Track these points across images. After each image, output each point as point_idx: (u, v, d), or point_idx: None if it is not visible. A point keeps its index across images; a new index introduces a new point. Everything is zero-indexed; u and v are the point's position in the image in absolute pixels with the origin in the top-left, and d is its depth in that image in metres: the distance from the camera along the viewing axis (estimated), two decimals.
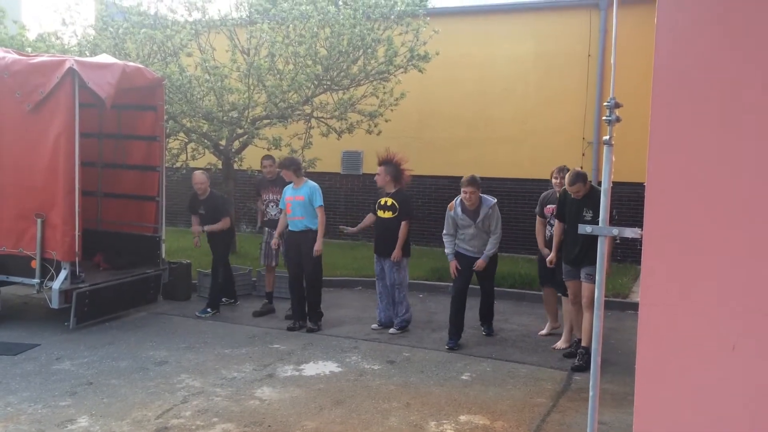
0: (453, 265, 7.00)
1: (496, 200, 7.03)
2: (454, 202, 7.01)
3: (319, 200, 7.36)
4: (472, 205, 6.86)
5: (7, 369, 5.94)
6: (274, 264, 8.22)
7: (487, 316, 7.43)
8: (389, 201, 7.32)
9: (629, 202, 10.63)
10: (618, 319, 8.09)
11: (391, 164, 7.34)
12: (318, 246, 7.35)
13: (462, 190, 6.85)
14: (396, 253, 7.23)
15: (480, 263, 6.94)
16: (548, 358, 6.60)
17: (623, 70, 9.76)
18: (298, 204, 7.36)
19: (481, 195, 6.93)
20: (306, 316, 7.53)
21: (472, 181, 6.81)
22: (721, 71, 2.08)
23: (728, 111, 2.07)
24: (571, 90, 11.65)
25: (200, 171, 8.38)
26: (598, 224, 2.97)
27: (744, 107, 2.05)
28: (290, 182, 7.53)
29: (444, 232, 7.08)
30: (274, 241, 7.85)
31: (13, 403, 5.16)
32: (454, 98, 12.36)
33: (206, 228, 8.09)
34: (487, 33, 12.32)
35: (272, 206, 8.09)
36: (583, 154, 11.55)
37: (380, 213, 7.38)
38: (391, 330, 7.31)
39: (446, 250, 7.09)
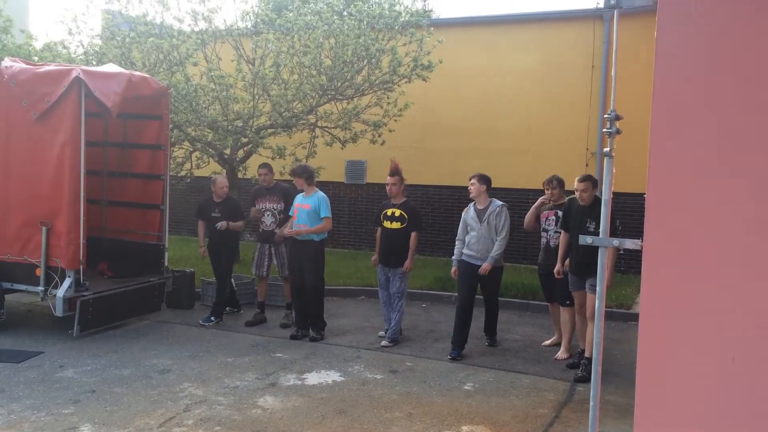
0: (453, 270, 7.11)
1: (505, 204, 7.10)
2: (469, 205, 7.17)
3: (325, 211, 7.37)
4: (479, 201, 6.98)
5: (11, 376, 5.95)
6: (265, 274, 8.22)
7: (490, 327, 7.42)
8: (397, 212, 7.32)
9: (633, 212, 10.62)
10: (621, 330, 8.07)
11: (400, 174, 7.38)
12: (291, 231, 7.38)
13: (471, 181, 7.04)
14: (408, 263, 7.25)
15: (485, 266, 6.88)
16: (551, 368, 6.59)
17: (627, 80, 9.79)
18: (304, 212, 7.38)
19: (492, 198, 7.05)
20: (309, 325, 7.53)
21: (476, 174, 7.04)
22: (722, 82, 2.10)
23: (729, 122, 2.08)
24: (575, 101, 11.68)
25: (222, 175, 8.45)
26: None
27: (744, 119, 2.06)
28: (300, 191, 7.59)
29: (457, 237, 7.18)
30: (287, 230, 7.54)
31: (16, 410, 5.17)
32: (458, 108, 12.40)
33: (232, 226, 8.06)
34: (491, 44, 12.38)
35: (267, 215, 8.08)
36: (587, 165, 11.56)
37: (387, 224, 7.37)
38: (383, 343, 7.24)
39: (454, 255, 7.18)
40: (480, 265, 6.93)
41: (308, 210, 7.35)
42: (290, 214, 7.63)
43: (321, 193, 7.50)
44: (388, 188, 7.41)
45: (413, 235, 7.26)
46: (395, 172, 7.36)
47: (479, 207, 7.00)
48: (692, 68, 2.11)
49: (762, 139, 2.04)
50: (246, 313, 8.52)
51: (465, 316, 6.96)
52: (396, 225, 7.31)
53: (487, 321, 7.41)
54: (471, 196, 7.06)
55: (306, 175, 7.49)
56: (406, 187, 7.54)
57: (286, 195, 7.96)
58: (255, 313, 8.17)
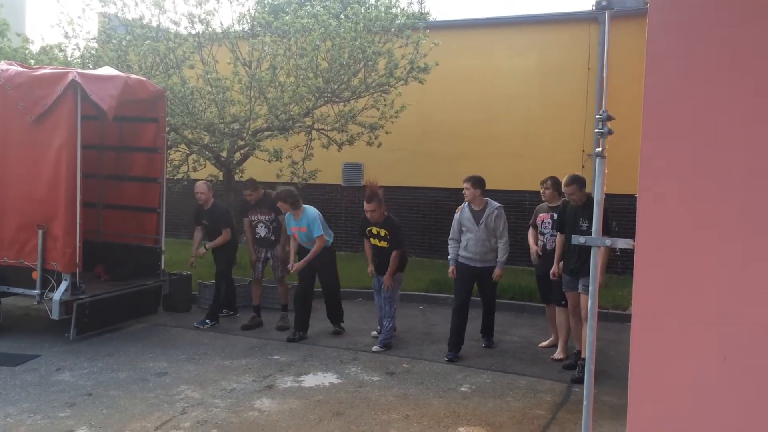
0: (451, 270, 7.06)
1: (502, 206, 7.07)
2: (462, 205, 7.08)
3: (317, 230, 7.39)
4: (474, 203, 6.93)
5: (7, 380, 5.95)
6: (260, 276, 8.26)
7: (487, 329, 7.44)
8: (382, 231, 7.28)
9: (629, 214, 10.63)
10: (617, 331, 8.08)
11: (378, 197, 7.20)
12: (298, 264, 7.46)
13: (466, 184, 6.93)
14: (387, 281, 7.25)
15: (498, 273, 6.98)
16: (548, 370, 6.60)
17: (622, 82, 9.83)
18: (303, 235, 7.50)
19: (488, 199, 7.00)
20: (307, 327, 7.61)
21: (470, 178, 6.93)
22: (711, 85, 2.11)
23: (718, 124, 2.10)
24: (571, 103, 11.70)
25: (202, 181, 8.43)
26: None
27: (734, 120, 2.08)
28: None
29: (450, 236, 7.13)
30: (291, 264, 7.62)
31: (12, 414, 5.16)
32: (455, 111, 12.41)
33: (208, 245, 8.15)
34: (487, 46, 12.40)
35: (261, 227, 8.11)
36: (583, 167, 11.57)
37: (374, 241, 7.38)
38: (374, 348, 7.19)
39: (449, 255, 7.13)
40: (478, 267, 6.96)
41: (306, 232, 7.46)
42: (288, 234, 7.64)
43: (310, 212, 7.49)
44: (368, 215, 7.24)
45: (395, 254, 7.24)
46: (372, 197, 7.17)
47: (476, 208, 6.96)
48: (682, 70, 2.13)
49: (751, 139, 2.05)
50: (243, 316, 8.52)
51: (461, 318, 6.97)
52: (383, 244, 7.33)
53: (484, 323, 7.43)
54: (466, 200, 7.00)
55: (291, 200, 7.41)
56: (386, 206, 7.37)
57: (275, 205, 7.90)
58: (251, 317, 8.17)
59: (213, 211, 8.22)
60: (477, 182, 6.94)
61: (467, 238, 6.95)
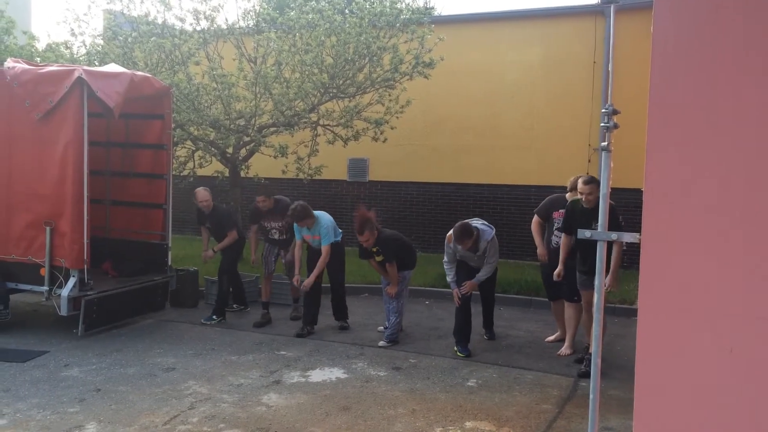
0: (455, 292, 6.99)
1: (494, 230, 6.98)
2: (452, 235, 6.90)
3: (326, 239, 7.44)
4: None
5: (17, 376, 5.99)
6: (272, 269, 8.33)
7: (488, 322, 7.50)
8: (374, 249, 7.30)
9: (635, 208, 10.61)
10: (624, 325, 8.07)
11: (369, 222, 7.14)
12: (308, 281, 7.46)
13: (456, 243, 6.77)
14: (390, 291, 7.31)
15: (468, 286, 6.92)
16: (554, 364, 6.59)
17: (628, 76, 9.79)
18: (316, 242, 7.57)
19: (479, 227, 6.86)
20: (315, 321, 7.69)
21: (466, 234, 6.66)
22: (719, 77, 2.10)
23: (725, 116, 2.09)
24: (577, 97, 11.67)
25: (202, 188, 8.33)
26: None
27: (740, 112, 2.07)
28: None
29: (445, 260, 7.07)
30: (295, 279, 7.68)
31: (22, 409, 5.20)
32: (461, 105, 12.40)
33: (216, 248, 8.22)
34: (492, 40, 12.38)
35: (275, 232, 8.16)
36: (589, 161, 11.56)
37: (378, 258, 7.38)
38: (381, 343, 7.21)
39: (448, 278, 7.11)
40: (477, 268, 6.99)
41: (319, 240, 7.52)
42: (297, 239, 7.65)
43: (323, 220, 7.51)
44: (364, 244, 7.20)
45: (389, 266, 7.27)
46: (363, 227, 7.08)
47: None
48: (689, 63, 2.12)
49: (758, 133, 2.04)
50: (253, 310, 8.55)
51: (468, 312, 6.97)
52: (380, 258, 7.37)
53: (485, 317, 7.50)
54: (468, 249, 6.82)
55: (309, 215, 7.43)
56: (373, 216, 7.31)
57: (285, 211, 7.91)
58: (262, 314, 8.17)
59: (215, 214, 8.26)
60: (472, 232, 6.72)
61: (467, 257, 7.00)
